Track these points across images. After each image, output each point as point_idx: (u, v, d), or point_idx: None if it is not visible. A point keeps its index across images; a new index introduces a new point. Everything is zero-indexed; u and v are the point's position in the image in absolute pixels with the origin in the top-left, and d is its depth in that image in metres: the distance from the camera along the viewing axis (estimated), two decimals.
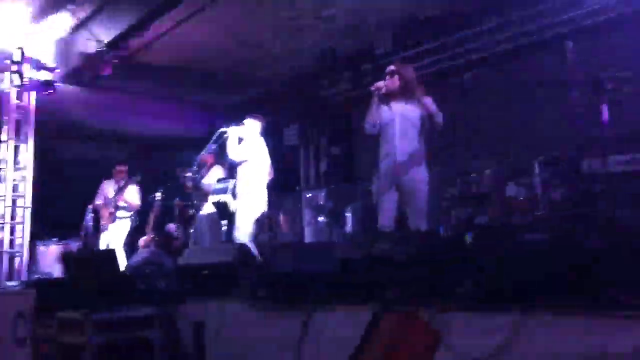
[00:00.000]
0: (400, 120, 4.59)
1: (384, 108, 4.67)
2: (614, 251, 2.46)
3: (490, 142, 5.31)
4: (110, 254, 4.50)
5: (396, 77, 4.67)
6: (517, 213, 5.42)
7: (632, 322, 2.05)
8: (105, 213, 7.99)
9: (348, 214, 7.46)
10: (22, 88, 7.94)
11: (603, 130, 2.89)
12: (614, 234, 2.75)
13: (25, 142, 8.28)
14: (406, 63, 7.90)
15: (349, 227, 7.39)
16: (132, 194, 7.99)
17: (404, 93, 4.63)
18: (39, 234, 8.45)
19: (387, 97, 4.66)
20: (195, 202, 7.27)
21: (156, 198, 7.72)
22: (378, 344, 2.92)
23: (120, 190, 7.96)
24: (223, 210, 6.30)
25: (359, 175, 8.96)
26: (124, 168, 8.09)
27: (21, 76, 7.72)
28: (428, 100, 4.60)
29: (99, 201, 8.11)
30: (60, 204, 9.17)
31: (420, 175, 4.58)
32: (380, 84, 4.64)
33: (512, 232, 3.13)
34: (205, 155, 7.20)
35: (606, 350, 2.05)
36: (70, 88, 8.41)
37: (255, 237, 6.52)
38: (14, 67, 7.72)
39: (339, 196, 7.64)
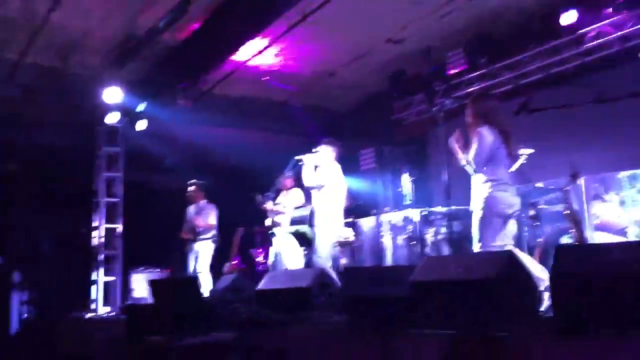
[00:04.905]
0: None
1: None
2: None
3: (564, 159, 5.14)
4: (193, 280, 4.67)
5: None
6: None
7: None
8: (186, 235, 8.32)
9: (428, 236, 7.36)
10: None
11: None
12: None
13: (118, 174, 8.83)
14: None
15: (428, 249, 7.29)
16: (209, 214, 8.26)
17: None
18: (132, 262, 8.89)
19: None
20: (274, 226, 7.42)
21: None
22: None
23: (197, 213, 8.26)
24: (301, 239, 6.40)
25: (438, 196, 8.83)
26: (194, 188, 8.39)
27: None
28: None
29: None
30: (150, 233, 9.64)
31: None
32: None
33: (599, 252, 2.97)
34: (281, 180, 7.37)
35: None
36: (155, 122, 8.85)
37: (335, 262, 6.56)
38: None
39: (418, 218, 7.55)
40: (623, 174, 5.18)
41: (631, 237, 5.01)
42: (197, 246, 8.19)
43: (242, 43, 7.18)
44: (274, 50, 7.92)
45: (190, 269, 8.24)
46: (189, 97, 8.15)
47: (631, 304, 2.49)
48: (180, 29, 7.22)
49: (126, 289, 8.69)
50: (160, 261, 9.23)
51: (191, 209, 8.44)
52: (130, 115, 8.70)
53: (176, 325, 3.96)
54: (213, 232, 8.25)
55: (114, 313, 7.99)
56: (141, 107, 8.54)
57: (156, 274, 8.77)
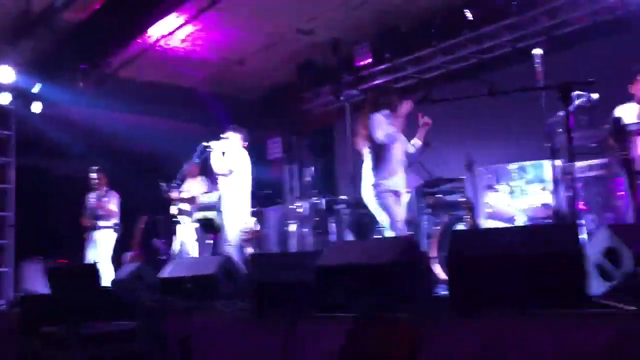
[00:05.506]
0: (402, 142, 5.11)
1: (391, 127, 4.97)
2: None
3: (461, 151, 5.48)
4: (92, 268, 4.52)
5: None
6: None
7: None
8: (86, 222, 7.98)
9: (332, 225, 7.52)
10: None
11: (570, 137, 2.99)
12: None
13: (10, 159, 8.33)
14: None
15: (333, 237, 7.46)
16: (110, 202, 7.99)
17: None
18: (24, 252, 8.44)
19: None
20: (180, 215, 7.31)
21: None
22: (360, 351, 2.97)
23: (99, 199, 7.96)
24: (208, 226, 6.36)
25: (343, 185, 9.03)
26: (97, 175, 8.09)
27: None
28: None
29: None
30: (45, 222, 9.18)
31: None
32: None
33: (489, 236, 3.18)
34: (188, 167, 7.26)
35: None
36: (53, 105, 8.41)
37: (241, 249, 6.57)
38: None
39: (323, 207, 7.69)
40: (513, 166, 5.54)
41: (519, 223, 5.38)
42: (97, 235, 7.91)
43: (149, 24, 6.98)
44: (182, 34, 7.74)
45: (89, 259, 7.93)
46: (90, 79, 7.81)
47: (518, 284, 2.69)
48: (82, 6, 6.89)
49: (18, 280, 8.24)
50: (56, 251, 8.82)
51: (92, 195, 8.12)
52: (25, 97, 8.21)
53: (75, 314, 3.82)
54: (115, 220, 8.00)
55: (4, 305, 7.55)
56: (37, 88, 8.08)
57: (51, 264, 8.37)
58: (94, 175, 8.07)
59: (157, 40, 7.49)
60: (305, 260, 3.80)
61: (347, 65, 8.76)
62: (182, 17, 6.93)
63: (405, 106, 5.06)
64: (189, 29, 7.55)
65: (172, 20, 7.08)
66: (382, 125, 4.95)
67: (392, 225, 4.92)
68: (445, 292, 3.41)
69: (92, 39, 7.40)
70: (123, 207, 8.12)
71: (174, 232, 7.74)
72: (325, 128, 9.99)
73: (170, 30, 7.30)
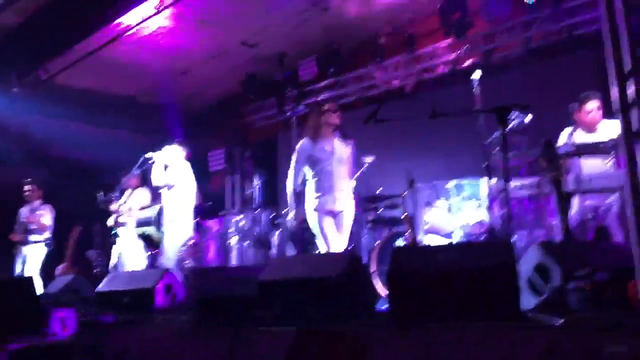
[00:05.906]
0: (336, 158, 4.81)
1: (318, 146, 4.80)
2: None
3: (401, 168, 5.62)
4: (27, 281, 4.36)
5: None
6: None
7: None
8: (16, 238, 7.65)
9: (273, 238, 7.53)
10: None
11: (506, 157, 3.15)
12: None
13: None
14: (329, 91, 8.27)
15: (274, 250, 7.46)
16: (44, 215, 7.70)
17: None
18: None
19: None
20: (118, 227, 7.14)
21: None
22: None
23: (32, 212, 7.66)
24: (148, 242, 6.25)
25: (285, 199, 9.04)
26: (31, 187, 7.80)
27: None
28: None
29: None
30: None
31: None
32: None
33: (428, 253, 3.29)
34: (128, 178, 7.11)
35: None
36: None
37: (180, 262, 6.48)
38: None
39: (265, 220, 7.69)
40: (451, 183, 5.72)
41: (456, 239, 5.56)
42: (27, 249, 7.57)
43: (90, 31, 6.83)
44: (125, 42, 7.60)
45: (17, 273, 7.60)
46: (25, 84, 7.54)
47: (456, 299, 2.79)
48: (18, 10, 6.68)
49: None
50: None
51: (24, 209, 7.80)
52: None
53: (5, 328, 3.67)
54: (47, 235, 7.68)
55: None
56: None
57: None
58: (27, 187, 7.75)
59: (99, 47, 7.32)
60: (248, 274, 3.81)
61: (292, 79, 8.85)
62: (126, 24, 6.81)
63: (332, 120, 4.85)
64: (132, 36, 7.43)
65: (116, 27, 6.95)
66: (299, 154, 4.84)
67: (326, 246, 4.69)
68: (385, 306, 3.49)
69: (30, 42, 7.18)
70: (57, 217, 7.84)
71: (109, 244, 7.53)
72: (268, 140, 10.00)
73: (113, 37, 7.15)
